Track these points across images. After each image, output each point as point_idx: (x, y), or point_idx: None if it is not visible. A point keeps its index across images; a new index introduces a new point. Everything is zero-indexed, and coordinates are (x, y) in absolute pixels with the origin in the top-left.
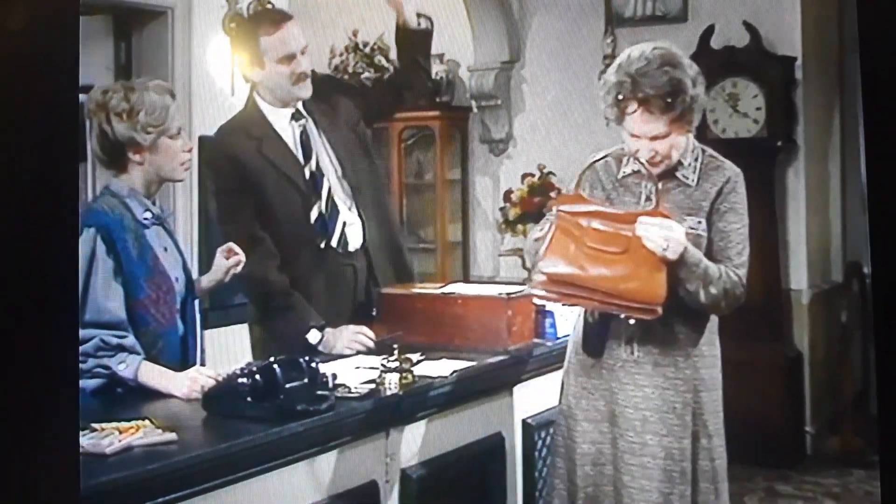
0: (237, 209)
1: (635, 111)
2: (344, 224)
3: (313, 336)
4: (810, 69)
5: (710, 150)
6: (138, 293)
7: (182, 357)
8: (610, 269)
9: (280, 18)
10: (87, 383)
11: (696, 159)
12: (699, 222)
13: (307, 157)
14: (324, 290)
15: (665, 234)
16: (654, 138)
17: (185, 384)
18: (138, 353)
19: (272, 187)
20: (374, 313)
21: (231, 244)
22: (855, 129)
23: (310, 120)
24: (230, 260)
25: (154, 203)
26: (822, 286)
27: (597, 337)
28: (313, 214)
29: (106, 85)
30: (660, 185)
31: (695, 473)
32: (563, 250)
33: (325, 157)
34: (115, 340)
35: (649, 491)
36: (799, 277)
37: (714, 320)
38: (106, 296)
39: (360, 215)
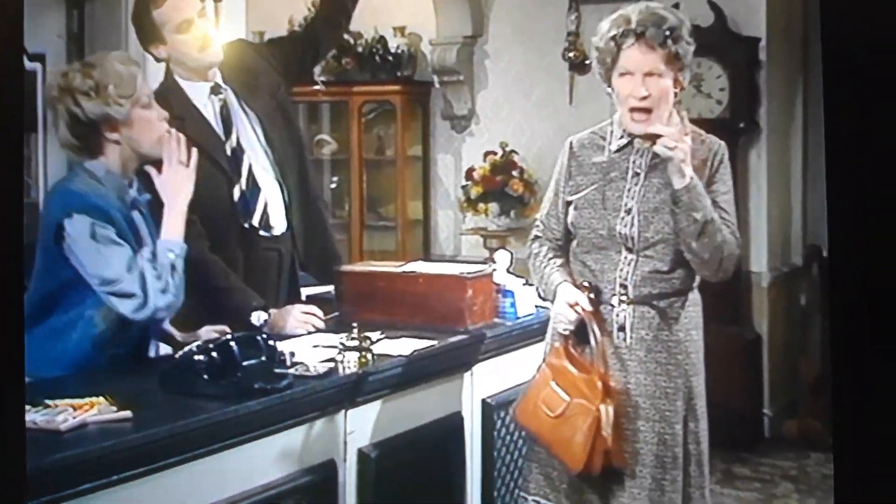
0: None
1: (632, 45)
2: (266, 203)
3: (256, 317)
4: (774, 50)
5: (691, 126)
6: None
7: None
8: (547, 429)
9: None
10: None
11: (687, 138)
12: None
13: (227, 132)
14: (250, 275)
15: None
16: (648, 74)
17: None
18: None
19: (196, 168)
20: (303, 298)
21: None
22: (818, 112)
23: (230, 92)
24: None
25: (131, 185)
26: (782, 269)
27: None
28: (236, 193)
29: (62, 67)
30: (649, 160)
31: (685, 458)
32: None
33: (247, 131)
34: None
35: (642, 477)
36: (759, 260)
37: (700, 304)
38: (122, 257)
39: (283, 192)
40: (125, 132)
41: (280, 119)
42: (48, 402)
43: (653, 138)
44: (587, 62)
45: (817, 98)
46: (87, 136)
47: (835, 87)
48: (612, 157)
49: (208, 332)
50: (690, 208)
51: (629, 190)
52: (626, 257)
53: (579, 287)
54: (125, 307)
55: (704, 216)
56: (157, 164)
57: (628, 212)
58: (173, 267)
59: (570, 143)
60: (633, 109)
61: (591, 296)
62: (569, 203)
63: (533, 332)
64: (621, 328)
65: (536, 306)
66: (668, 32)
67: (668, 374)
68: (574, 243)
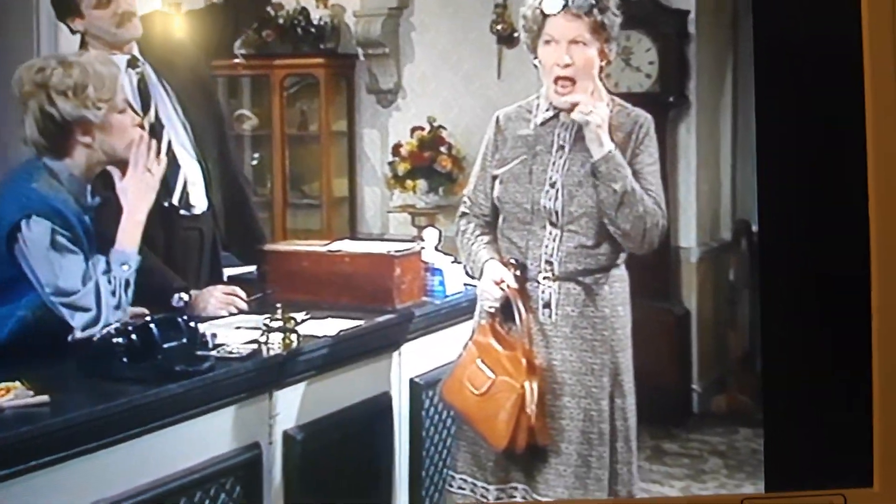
0: None
1: (557, 14)
2: (186, 180)
3: (177, 299)
4: (704, 24)
5: (618, 100)
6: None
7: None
8: (472, 407)
9: None
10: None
11: (605, 106)
12: None
13: (146, 107)
14: (172, 255)
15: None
16: (572, 42)
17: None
18: None
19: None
20: (224, 278)
21: None
22: (747, 87)
23: (147, 65)
24: None
25: (88, 190)
26: (711, 244)
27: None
28: None
29: (38, 62)
30: (573, 132)
31: (612, 434)
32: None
33: (166, 107)
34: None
35: (568, 454)
36: (688, 235)
37: (627, 280)
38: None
39: (202, 169)
40: (99, 136)
41: (199, 94)
42: None
43: (573, 107)
44: (515, 35)
45: (747, 73)
46: (57, 136)
47: (765, 63)
48: (538, 130)
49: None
50: (609, 179)
51: (554, 163)
52: (550, 233)
53: (506, 264)
54: (77, 320)
55: (623, 186)
56: (123, 166)
57: (553, 185)
58: (127, 283)
59: (497, 117)
60: (557, 80)
61: (517, 273)
62: (495, 177)
63: (462, 311)
64: (546, 305)
65: (465, 284)
66: (593, 1)
67: (594, 350)
68: (500, 219)
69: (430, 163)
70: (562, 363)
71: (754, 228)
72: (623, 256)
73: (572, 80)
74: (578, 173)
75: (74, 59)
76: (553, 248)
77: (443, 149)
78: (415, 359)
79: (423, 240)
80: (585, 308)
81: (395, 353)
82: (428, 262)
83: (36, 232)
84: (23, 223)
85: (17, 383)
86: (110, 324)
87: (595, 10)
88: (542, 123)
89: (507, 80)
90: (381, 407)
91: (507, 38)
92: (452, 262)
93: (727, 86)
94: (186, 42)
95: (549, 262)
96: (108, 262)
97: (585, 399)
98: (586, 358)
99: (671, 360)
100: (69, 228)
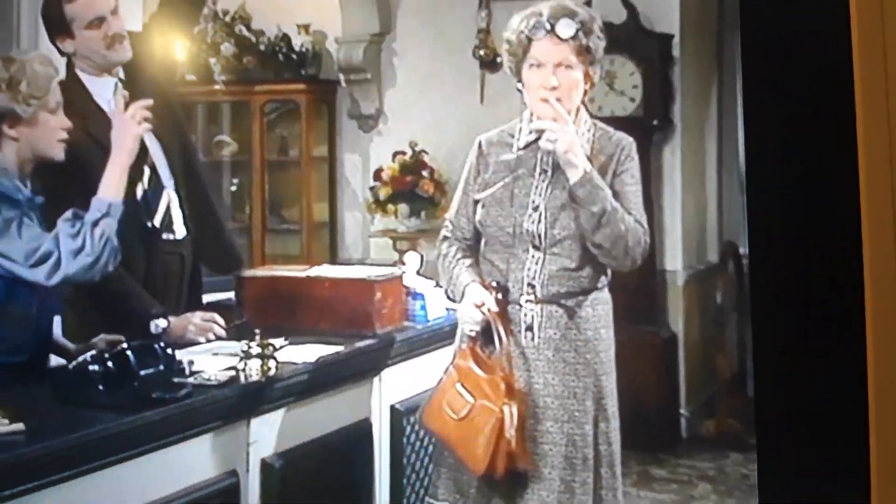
0: (66, 194)
1: (543, 38)
2: (169, 202)
3: (155, 326)
4: (688, 47)
5: (600, 124)
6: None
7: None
8: (451, 431)
9: None
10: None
11: (588, 130)
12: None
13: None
14: (152, 279)
15: (558, 129)
16: (558, 65)
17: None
18: None
19: (100, 168)
20: (202, 303)
21: None
22: (732, 108)
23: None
24: None
25: (26, 185)
26: (698, 267)
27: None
28: (138, 192)
29: None
30: (555, 156)
31: (596, 459)
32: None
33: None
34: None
35: (551, 479)
36: (674, 258)
37: (610, 303)
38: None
39: (178, 191)
40: (24, 131)
41: (166, 112)
42: None
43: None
44: (498, 60)
45: (732, 94)
46: None
47: (754, 84)
48: (520, 154)
49: (103, 341)
50: (587, 202)
51: (536, 187)
52: (533, 255)
53: (487, 287)
54: (38, 274)
55: (603, 207)
56: (50, 165)
57: (536, 209)
58: (95, 224)
59: (480, 141)
60: (542, 100)
61: (499, 296)
62: (477, 201)
63: (443, 336)
64: (529, 328)
65: (447, 309)
66: (578, 25)
67: (577, 374)
68: (483, 243)
69: (412, 187)
70: (544, 387)
71: (741, 250)
72: (606, 279)
73: (557, 100)
74: (560, 196)
75: (17, 56)
76: (535, 271)
77: (425, 173)
78: (395, 384)
79: (404, 264)
80: (568, 331)
81: (376, 379)
82: (409, 286)
83: None
84: None
85: None
86: (74, 273)
87: (580, 34)
88: (524, 147)
89: (489, 104)
90: (361, 434)
91: (489, 63)
92: (434, 287)
93: (712, 108)
94: (149, 62)
95: (531, 285)
96: (74, 213)
97: (568, 423)
98: (569, 382)
99: (658, 383)
100: (15, 207)
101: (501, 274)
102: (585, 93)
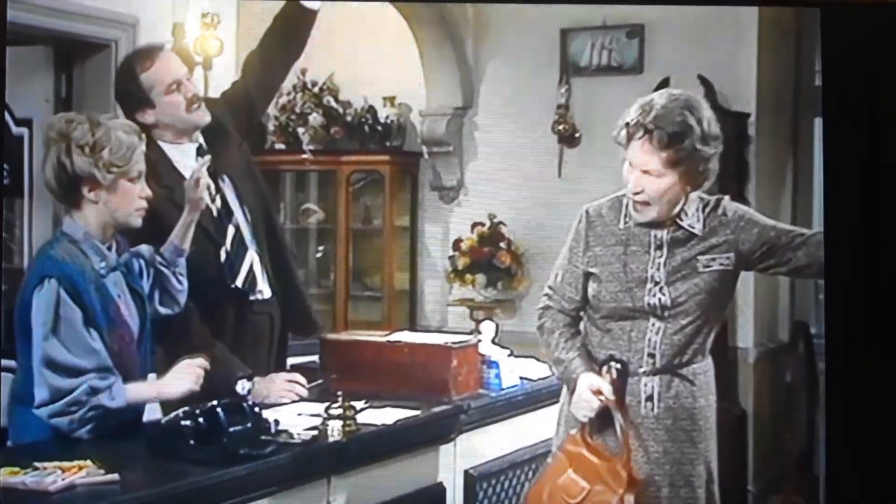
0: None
1: (640, 139)
2: (252, 264)
3: (241, 386)
4: (764, 126)
5: (712, 199)
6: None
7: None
8: None
9: (152, 50)
10: (82, 431)
11: (698, 210)
12: (727, 257)
13: (212, 195)
14: (241, 339)
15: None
16: (645, 171)
17: (184, 377)
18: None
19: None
20: (287, 365)
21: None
22: (806, 189)
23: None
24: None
25: (110, 248)
26: (769, 345)
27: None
28: (222, 255)
29: (70, 115)
30: (669, 233)
31: None
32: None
33: (229, 192)
34: (103, 384)
35: None
36: (746, 336)
37: (713, 370)
38: (80, 343)
39: (260, 252)
40: (104, 196)
41: (247, 175)
42: (37, 464)
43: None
44: (576, 135)
45: (807, 175)
46: (67, 187)
47: (834, 168)
48: (630, 227)
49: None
50: (776, 255)
51: (654, 262)
52: (653, 324)
53: (604, 364)
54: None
55: (784, 240)
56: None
57: (656, 283)
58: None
59: (587, 210)
60: (634, 197)
61: (618, 368)
62: (588, 274)
63: (517, 404)
64: (649, 398)
65: (521, 378)
66: (672, 138)
67: (693, 441)
68: (593, 312)
69: (490, 258)
70: (663, 455)
71: (812, 330)
72: (709, 346)
73: (646, 203)
74: (682, 268)
75: (103, 120)
76: (656, 341)
77: (502, 244)
78: (469, 450)
79: (480, 332)
80: (685, 399)
81: (451, 444)
82: (485, 354)
83: (46, 290)
84: (36, 288)
85: (89, 462)
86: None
87: (673, 138)
88: (634, 224)
89: (567, 178)
90: (434, 497)
91: (568, 138)
92: (509, 356)
93: (787, 186)
94: (228, 124)
95: (651, 356)
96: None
97: (684, 489)
98: (686, 448)
99: (727, 460)
100: (78, 294)
101: (623, 343)
102: (695, 188)
